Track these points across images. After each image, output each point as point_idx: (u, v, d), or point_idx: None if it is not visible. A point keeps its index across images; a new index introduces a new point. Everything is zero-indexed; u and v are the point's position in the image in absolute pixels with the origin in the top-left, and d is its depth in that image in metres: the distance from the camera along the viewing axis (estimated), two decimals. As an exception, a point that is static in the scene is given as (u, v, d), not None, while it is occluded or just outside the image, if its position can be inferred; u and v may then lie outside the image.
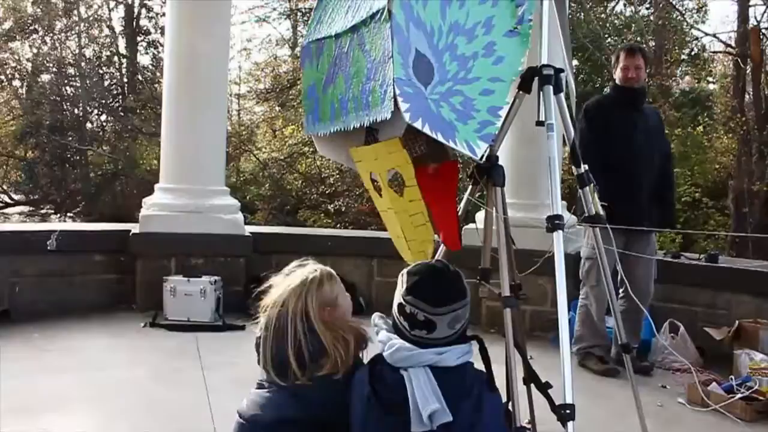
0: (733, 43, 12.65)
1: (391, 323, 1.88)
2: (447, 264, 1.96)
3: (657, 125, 4.18)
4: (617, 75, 4.14)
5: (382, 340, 1.83)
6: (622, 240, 3.99)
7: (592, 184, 2.44)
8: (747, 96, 12.65)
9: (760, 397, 3.45)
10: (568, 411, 1.90)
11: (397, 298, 1.85)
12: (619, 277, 4.08)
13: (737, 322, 4.18)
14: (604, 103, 4.28)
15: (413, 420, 1.70)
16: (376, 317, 1.94)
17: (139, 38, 17.49)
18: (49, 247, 4.98)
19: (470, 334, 1.91)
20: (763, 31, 12.21)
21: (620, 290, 3.98)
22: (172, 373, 3.77)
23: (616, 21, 13.49)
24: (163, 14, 13.33)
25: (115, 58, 17.62)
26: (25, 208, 17.62)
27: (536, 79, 2.20)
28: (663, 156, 4.22)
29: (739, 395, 3.46)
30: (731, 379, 3.69)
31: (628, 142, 4.01)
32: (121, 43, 17.70)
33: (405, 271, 1.89)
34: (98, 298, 5.19)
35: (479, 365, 1.92)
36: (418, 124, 1.86)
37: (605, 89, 13.24)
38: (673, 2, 13.56)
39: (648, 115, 4.16)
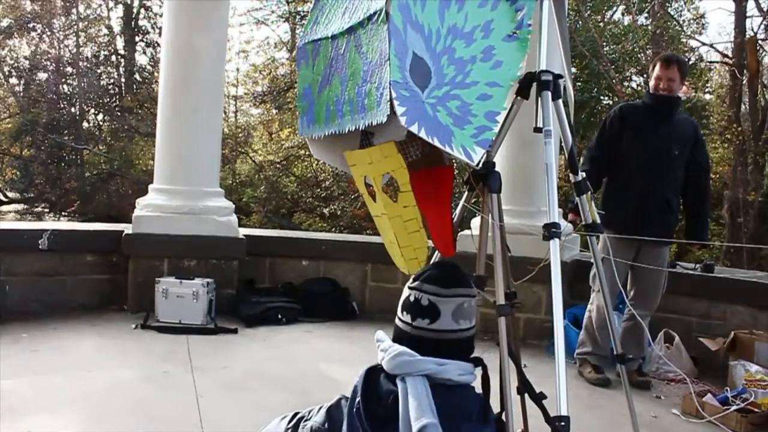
0: (730, 54, 12.69)
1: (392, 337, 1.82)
2: (452, 263, 1.90)
3: (689, 136, 4.08)
4: (651, 83, 4.10)
5: (383, 348, 1.76)
6: (634, 247, 3.98)
7: (589, 192, 2.42)
8: (743, 106, 12.69)
9: (756, 409, 3.44)
10: (563, 423, 1.87)
11: (401, 299, 1.78)
12: (628, 286, 4.09)
13: (732, 332, 4.16)
14: (636, 107, 4.25)
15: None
16: (380, 333, 1.86)
17: (137, 38, 17.47)
18: (40, 247, 4.93)
19: (474, 356, 1.81)
20: (760, 42, 12.27)
21: (628, 299, 3.97)
22: (161, 376, 3.72)
23: (614, 29, 13.49)
24: (162, 14, 13.30)
25: (113, 58, 17.59)
26: (20, 207, 17.55)
27: (535, 84, 2.18)
28: (697, 169, 4.11)
29: (735, 407, 3.45)
30: (726, 390, 3.68)
31: (641, 148, 3.99)
32: (120, 43, 17.71)
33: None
34: (89, 298, 5.14)
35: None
36: (414, 128, 1.82)
37: (602, 97, 13.28)
38: (671, 12, 13.61)
39: (679, 126, 4.08)
